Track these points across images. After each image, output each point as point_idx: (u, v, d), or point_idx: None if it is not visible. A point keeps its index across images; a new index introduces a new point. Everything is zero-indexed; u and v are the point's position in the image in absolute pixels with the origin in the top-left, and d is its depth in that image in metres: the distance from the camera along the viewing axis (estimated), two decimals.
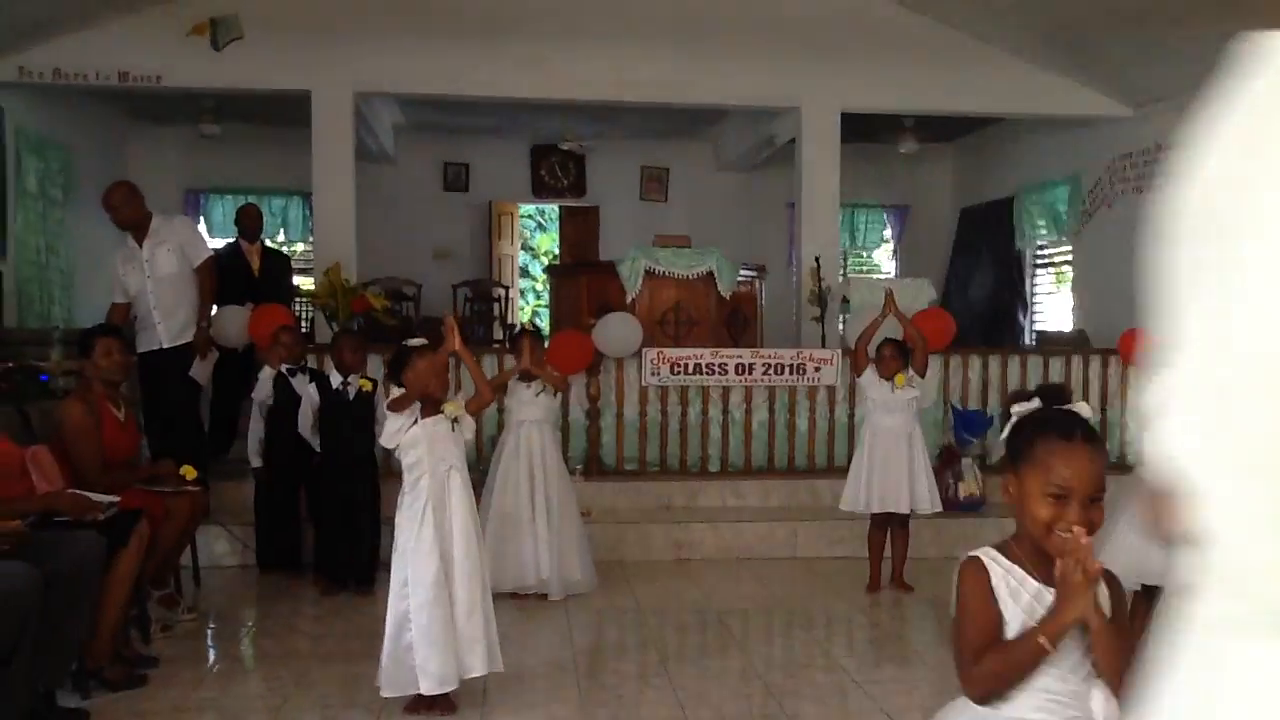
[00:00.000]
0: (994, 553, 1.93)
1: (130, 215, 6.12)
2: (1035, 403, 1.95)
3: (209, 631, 4.99)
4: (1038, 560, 1.87)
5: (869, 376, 5.55)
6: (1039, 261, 11.63)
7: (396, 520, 3.75)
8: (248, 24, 8.18)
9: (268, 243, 8.50)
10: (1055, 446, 1.85)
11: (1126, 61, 8.71)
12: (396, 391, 3.83)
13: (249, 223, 8.11)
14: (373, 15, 8.36)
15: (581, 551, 5.52)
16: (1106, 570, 1.90)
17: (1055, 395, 1.97)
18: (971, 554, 1.94)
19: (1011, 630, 1.85)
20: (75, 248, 9.44)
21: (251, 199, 11.60)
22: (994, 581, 1.89)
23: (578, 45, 8.62)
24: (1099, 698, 1.84)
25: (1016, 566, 1.90)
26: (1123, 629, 1.87)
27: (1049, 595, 1.84)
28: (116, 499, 4.23)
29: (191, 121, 10.81)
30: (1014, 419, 1.96)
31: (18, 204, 8.58)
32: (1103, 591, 1.86)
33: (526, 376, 5.49)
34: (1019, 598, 1.87)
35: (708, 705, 3.94)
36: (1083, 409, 1.94)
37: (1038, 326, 11.37)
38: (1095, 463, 1.85)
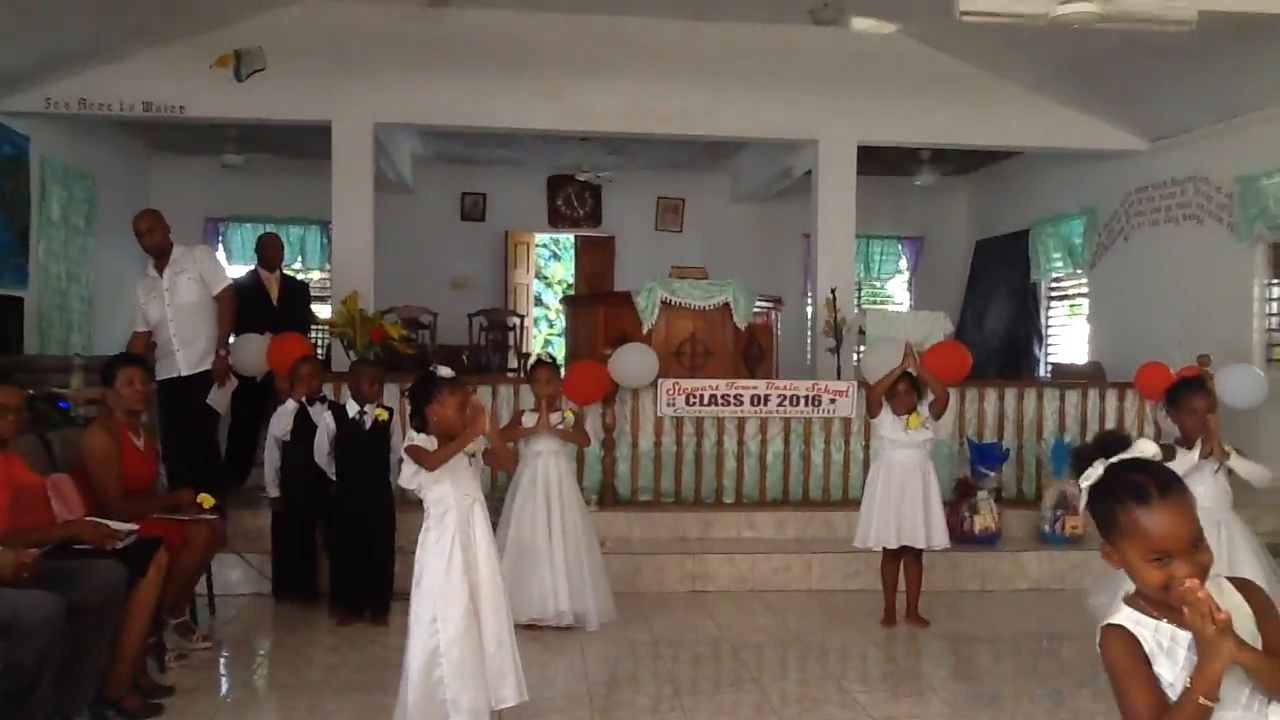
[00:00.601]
0: (1135, 614, 1.87)
1: (158, 240, 6.22)
2: (1099, 466, 1.92)
3: (224, 660, 4.99)
4: (1173, 609, 1.81)
5: (882, 415, 5.54)
6: (1054, 294, 11.64)
7: (419, 555, 3.74)
8: (270, 56, 8.30)
9: (286, 271, 8.56)
10: (1136, 514, 1.82)
11: (1142, 96, 8.75)
12: (419, 438, 3.78)
13: (269, 252, 8.17)
14: (393, 48, 8.46)
15: (602, 582, 5.54)
16: (1239, 580, 1.87)
17: (1116, 446, 1.93)
18: (1112, 623, 1.88)
19: (1176, 689, 1.80)
20: (97, 276, 9.55)
21: (271, 228, 11.72)
22: (1147, 647, 1.84)
23: (596, 78, 8.71)
24: (1278, 715, 1.79)
25: (1163, 622, 1.84)
26: (1275, 641, 1.81)
27: None
28: (136, 527, 4.26)
29: (213, 151, 10.95)
30: (1085, 492, 1.93)
31: (41, 232, 8.69)
32: (1241, 608, 1.81)
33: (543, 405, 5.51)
34: (1175, 655, 1.82)
35: None
36: (1145, 448, 1.90)
37: (1052, 359, 11.36)
38: (1182, 513, 1.81)
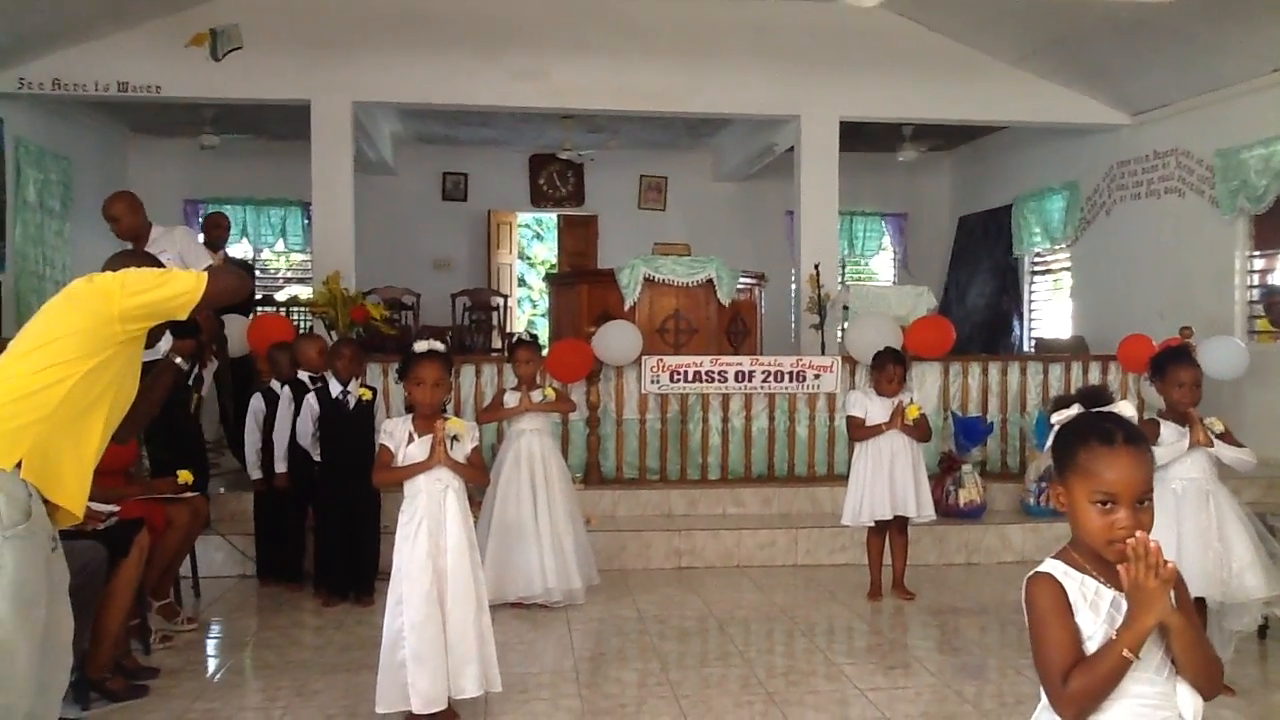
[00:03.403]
0: (1063, 565, 1.89)
1: (131, 225, 6.11)
2: (1075, 409, 1.93)
3: (209, 642, 4.97)
4: (1103, 566, 1.84)
5: (864, 399, 5.54)
6: (1036, 269, 11.66)
7: (396, 537, 3.75)
8: (247, 35, 8.22)
9: (229, 252, 8.45)
10: (1097, 452, 1.84)
11: (1124, 70, 8.75)
12: (386, 428, 3.84)
13: (216, 232, 8.09)
14: (372, 26, 8.39)
15: (586, 553, 5.55)
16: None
17: (1095, 398, 1.94)
18: (1040, 570, 1.90)
19: (1094, 642, 1.82)
20: (74, 259, 9.45)
21: (251, 209, 11.66)
22: (1071, 596, 1.85)
23: (578, 55, 8.66)
24: (1186, 695, 1.82)
25: (1089, 577, 1.87)
26: (1196, 624, 1.84)
27: (1125, 602, 1.79)
28: (116, 508, 4.23)
29: (191, 133, 10.86)
30: (1055, 428, 1.95)
31: (16, 215, 8.60)
32: None
33: (524, 384, 5.48)
34: (1099, 609, 1.84)
35: (710, 714, 3.92)
36: (1124, 408, 1.91)
37: (1036, 333, 11.39)
38: (1139, 465, 1.83)
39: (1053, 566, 1.90)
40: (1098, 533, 1.83)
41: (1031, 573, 1.91)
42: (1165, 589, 1.74)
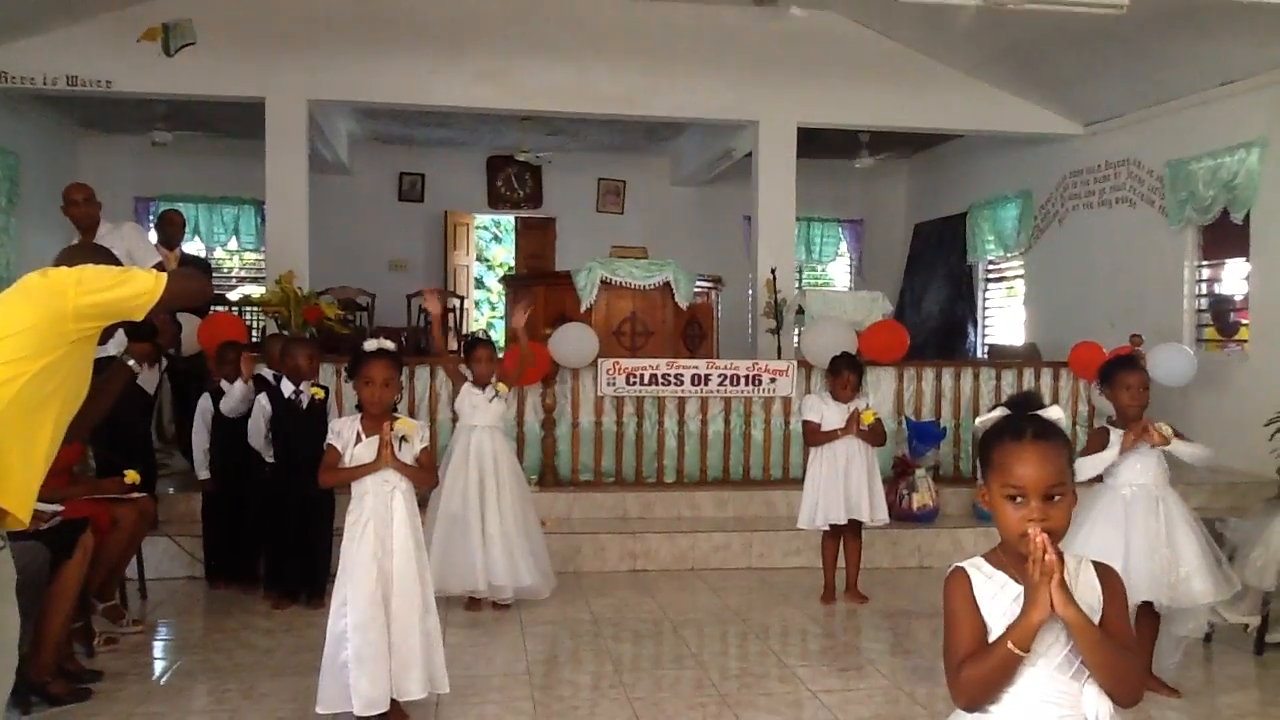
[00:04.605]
0: (979, 561, 1.95)
1: (88, 211, 6.09)
2: (998, 412, 1.97)
3: (156, 644, 4.89)
4: (1022, 564, 1.86)
5: (820, 404, 5.56)
6: (990, 276, 11.79)
7: (344, 537, 3.71)
8: (200, 30, 8.12)
9: (186, 250, 8.37)
10: (1008, 449, 1.88)
11: (1077, 80, 8.87)
12: (335, 427, 3.81)
13: (170, 229, 8.03)
14: (328, 23, 8.32)
15: (542, 557, 5.50)
16: (1102, 564, 1.93)
17: (1023, 403, 1.98)
18: (956, 565, 1.95)
19: (996, 635, 1.86)
20: (19, 256, 9.28)
21: (204, 208, 11.51)
22: (976, 589, 1.90)
23: (537, 57, 8.64)
24: (1090, 695, 1.84)
25: (999, 571, 1.91)
26: (1114, 624, 1.87)
27: None
28: (60, 508, 4.15)
29: (143, 129, 10.70)
30: (979, 431, 2.00)
31: None
32: (1093, 586, 1.88)
33: (480, 383, 5.41)
34: (1000, 603, 1.88)
35: (663, 716, 3.92)
36: (1052, 412, 1.95)
37: (989, 340, 11.51)
38: (1048, 459, 1.86)
39: (969, 562, 1.95)
40: (1013, 527, 1.86)
41: (949, 568, 1.96)
42: (1047, 581, 1.76)
